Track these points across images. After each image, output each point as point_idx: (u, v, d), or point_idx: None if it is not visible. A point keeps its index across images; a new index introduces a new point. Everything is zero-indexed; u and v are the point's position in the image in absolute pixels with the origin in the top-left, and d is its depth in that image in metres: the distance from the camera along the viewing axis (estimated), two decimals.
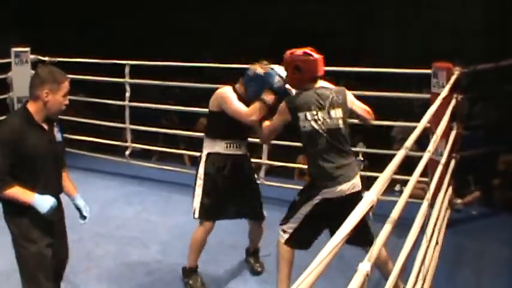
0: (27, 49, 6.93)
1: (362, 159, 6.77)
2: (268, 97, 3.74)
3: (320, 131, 3.46)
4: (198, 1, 13.62)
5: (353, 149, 6.40)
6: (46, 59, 6.91)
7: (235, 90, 3.94)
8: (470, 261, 4.52)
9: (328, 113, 3.49)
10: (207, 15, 13.25)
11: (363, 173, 6.20)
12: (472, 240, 4.84)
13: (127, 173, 6.75)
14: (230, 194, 4.02)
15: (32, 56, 6.92)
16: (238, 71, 4.68)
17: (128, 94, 6.64)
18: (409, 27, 12.32)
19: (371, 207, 1.76)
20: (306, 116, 3.45)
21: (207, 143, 4.01)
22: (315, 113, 3.46)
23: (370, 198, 1.79)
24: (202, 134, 4.44)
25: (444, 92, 4.16)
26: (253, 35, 11.93)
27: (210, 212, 3.97)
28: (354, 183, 3.52)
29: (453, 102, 4.75)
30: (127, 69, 6.56)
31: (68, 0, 12.66)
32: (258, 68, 3.83)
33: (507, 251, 4.66)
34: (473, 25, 11.47)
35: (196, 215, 3.97)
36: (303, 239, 3.58)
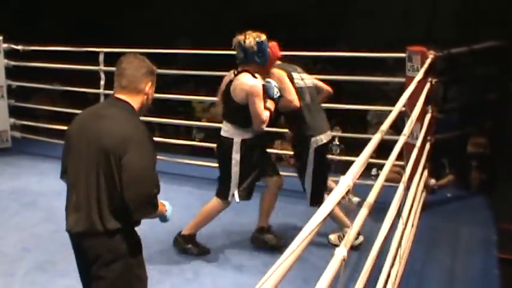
0: (0, 38, 6.81)
1: (338, 143, 6.86)
2: (272, 106, 4.10)
3: (305, 87, 4.36)
4: None
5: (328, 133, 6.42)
6: (19, 47, 6.80)
7: (254, 76, 4.09)
8: (444, 242, 4.59)
9: (301, 76, 4.43)
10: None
11: (339, 158, 6.30)
12: (446, 222, 4.91)
13: None
14: (262, 170, 4.31)
15: (5, 45, 6.80)
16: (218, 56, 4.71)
17: (102, 82, 6.56)
18: (383, 11, 12.33)
19: (347, 191, 1.78)
20: (295, 76, 4.36)
21: (238, 131, 4.10)
22: (297, 75, 4.38)
23: (346, 182, 1.80)
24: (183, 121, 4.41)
25: (419, 76, 4.18)
26: (229, 18, 11.89)
27: (246, 193, 4.21)
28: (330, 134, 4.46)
29: (428, 85, 4.78)
30: (101, 57, 6.49)
31: None
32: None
33: (480, 232, 4.73)
34: (448, 7, 11.54)
35: (237, 199, 4.17)
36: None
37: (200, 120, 8.45)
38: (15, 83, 6.92)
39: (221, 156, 4.21)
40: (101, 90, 6.64)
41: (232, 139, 4.10)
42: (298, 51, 5.57)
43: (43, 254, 4.27)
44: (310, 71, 4.78)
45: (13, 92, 7.03)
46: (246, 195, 4.20)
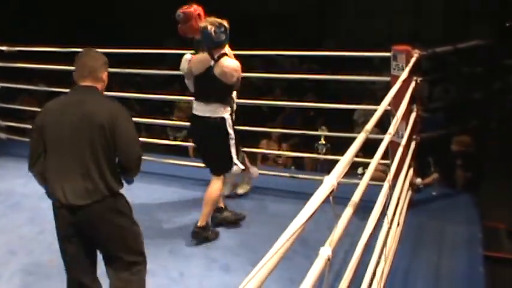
0: None
1: (324, 142, 6.88)
2: None
3: None
4: None
5: (315, 132, 6.48)
6: (4, 48, 6.74)
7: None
8: (430, 241, 4.60)
9: None
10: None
11: (326, 157, 6.31)
12: (432, 220, 4.92)
13: None
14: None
15: None
16: None
17: None
18: (371, 10, 12.39)
19: (331, 191, 1.78)
20: None
21: (225, 108, 4.39)
22: None
23: (330, 182, 1.80)
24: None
25: (404, 75, 4.19)
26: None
27: (241, 160, 4.60)
28: None
29: (413, 84, 4.80)
30: None
31: None
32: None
33: (466, 230, 4.75)
34: (433, 6, 11.62)
35: (241, 167, 4.53)
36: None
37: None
38: (0, 84, 6.85)
39: (214, 136, 4.41)
40: None
41: (223, 117, 4.36)
42: (286, 51, 5.59)
43: (29, 256, 4.24)
44: (297, 71, 4.80)
45: None
46: (241, 163, 4.57)
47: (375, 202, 2.82)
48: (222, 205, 4.76)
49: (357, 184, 2.49)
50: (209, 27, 4.24)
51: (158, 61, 8.22)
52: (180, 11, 4.65)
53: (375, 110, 3.05)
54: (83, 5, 12.68)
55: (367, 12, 12.47)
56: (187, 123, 4.80)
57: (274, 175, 5.01)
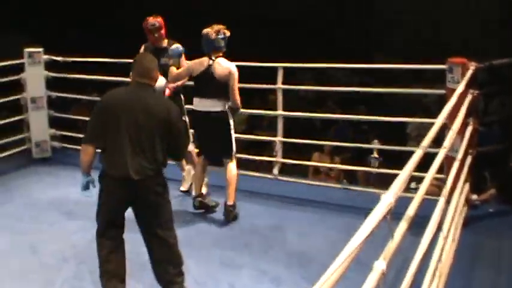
0: (40, 50, 6.93)
1: (377, 156, 6.78)
2: None
3: None
4: None
5: (368, 146, 6.41)
6: (59, 59, 6.92)
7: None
8: (486, 259, 4.45)
9: None
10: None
11: (378, 170, 6.22)
12: (488, 238, 4.77)
13: None
14: None
15: (45, 56, 6.93)
16: None
17: None
18: (420, 19, 12.19)
19: (389, 209, 1.73)
20: None
21: (224, 103, 4.94)
22: None
23: (387, 200, 1.76)
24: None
25: (460, 88, 4.10)
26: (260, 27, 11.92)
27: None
28: None
29: (469, 97, 4.69)
30: None
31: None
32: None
33: None
34: (489, 16, 11.35)
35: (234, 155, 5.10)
36: None
37: None
38: (55, 94, 7.02)
39: (221, 128, 4.98)
40: None
41: (224, 111, 4.95)
42: (337, 63, 5.56)
43: (80, 263, 4.31)
44: (349, 84, 4.76)
45: (53, 102, 7.14)
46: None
47: (428, 217, 2.75)
48: (200, 191, 5.22)
49: (411, 198, 2.42)
50: (211, 33, 4.84)
51: None
52: (154, 21, 5.29)
53: (428, 124, 2.99)
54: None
55: (417, 22, 12.29)
56: None
57: (326, 186, 4.96)
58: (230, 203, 5.01)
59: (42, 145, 7.03)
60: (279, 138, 5.87)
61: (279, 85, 5.70)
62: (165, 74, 5.00)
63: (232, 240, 4.73)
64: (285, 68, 5.70)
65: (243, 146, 7.26)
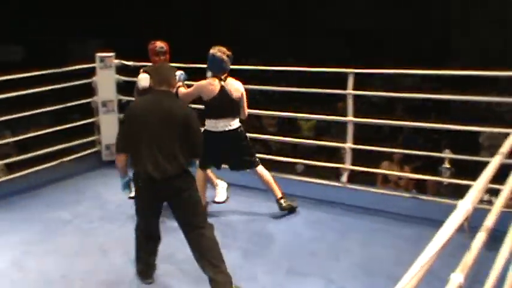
0: (112, 54, 7.08)
1: (448, 166, 6.58)
2: None
3: None
4: None
5: (439, 154, 6.23)
6: (130, 63, 7.03)
7: None
8: None
9: None
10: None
11: (450, 180, 6.02)
12: None
13: None
14: None
15: (116, 61, 7.07)
16: None
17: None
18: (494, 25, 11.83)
19: (467, 217, 1.65)
20: None
21: (236, 120, 5.21)
22: None
23: (465, 207, 1.68)
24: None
25: None
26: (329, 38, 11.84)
27: None
28: None
29: None
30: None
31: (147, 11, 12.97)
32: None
33: None
34: None
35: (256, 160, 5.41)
36: None
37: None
38: (125, 98, 7.14)
39: (243, 141, 5.26)
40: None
41: (240, 126, 5.24)
42: (409, 69, 5.44)
43: None
44: (418, 90, 4.62)
45: (123, 106, 7.26)
46: None
47: (502, 231, 2.62)
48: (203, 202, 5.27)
49: (484, 210, 2.31)
50: (221, 54, 5.01)
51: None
52: (161, 44, 5.53)
53: (502, 134, 2.86)
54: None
55: (492, 28, 11.93)
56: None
57: (395, 195, 4.83)
58: (278, 195, 5.35)
59: (111, 148, 7.14)
60: (348, 145, 5.76)
61: (349, 91, 5.61)
62: None
63: (299, 249, 4.69)
64: (356, 75, 5.61)
65: (311, 152, 7.21)
